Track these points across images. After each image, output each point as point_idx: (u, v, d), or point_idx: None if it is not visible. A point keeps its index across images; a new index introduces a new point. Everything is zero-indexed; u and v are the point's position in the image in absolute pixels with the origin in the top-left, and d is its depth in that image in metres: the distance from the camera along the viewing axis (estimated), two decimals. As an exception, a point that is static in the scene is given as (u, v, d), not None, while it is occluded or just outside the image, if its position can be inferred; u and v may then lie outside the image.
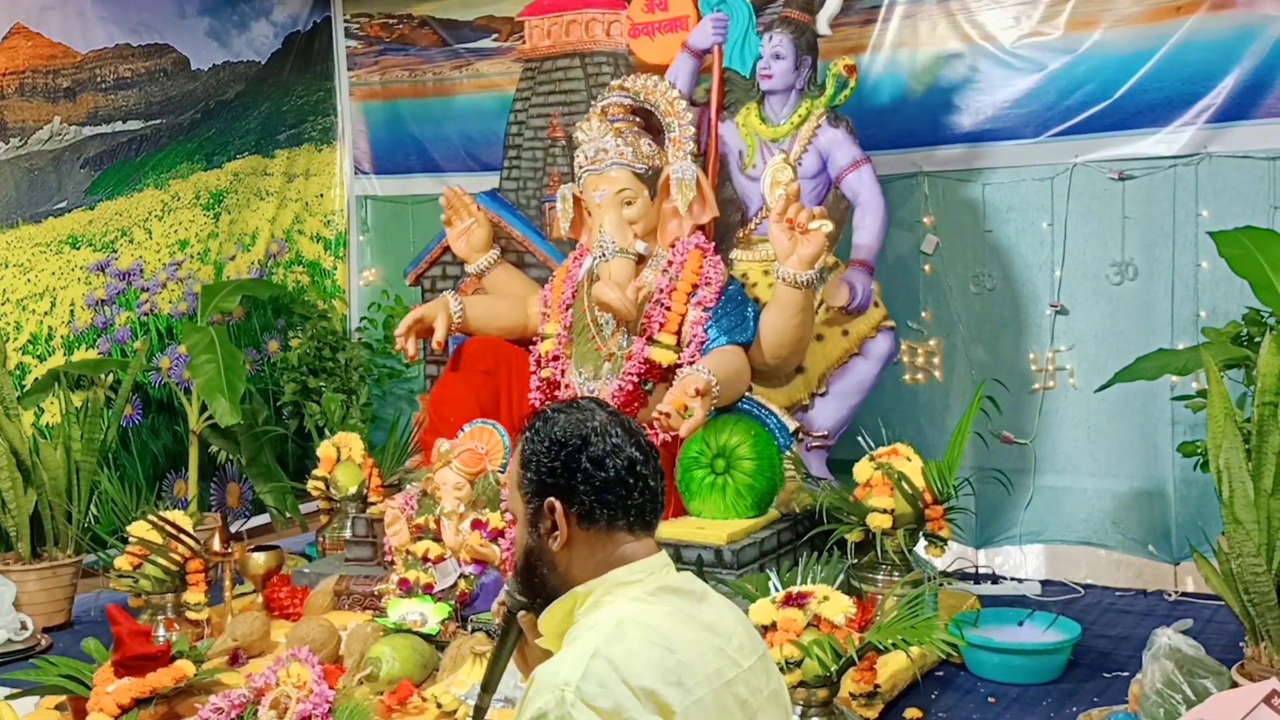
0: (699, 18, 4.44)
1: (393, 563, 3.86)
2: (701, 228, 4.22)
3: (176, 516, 3.87)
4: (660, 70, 4.44)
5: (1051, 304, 4.59)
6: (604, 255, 4.09)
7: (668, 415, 3.68)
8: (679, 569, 1.85)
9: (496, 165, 5.18)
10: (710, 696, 1.65)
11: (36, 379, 4.90)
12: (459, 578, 3.59)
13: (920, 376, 4.83)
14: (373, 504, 4.38)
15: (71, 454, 4.48)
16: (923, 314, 4.81)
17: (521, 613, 1.85)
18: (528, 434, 1.81)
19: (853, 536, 3.65)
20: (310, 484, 4.54)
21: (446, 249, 4.95)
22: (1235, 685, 2.83)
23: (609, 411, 1.83)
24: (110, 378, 5.04)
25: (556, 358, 4.22)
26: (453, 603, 3.54)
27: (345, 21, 6.22)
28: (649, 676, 1.59)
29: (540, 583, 1.79)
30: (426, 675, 3.32)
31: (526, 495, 1.79)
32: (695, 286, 4.08)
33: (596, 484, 1.74)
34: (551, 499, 1.75)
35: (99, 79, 5.21)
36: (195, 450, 5.26)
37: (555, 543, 1.75)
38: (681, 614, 1.73)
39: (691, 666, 1.65)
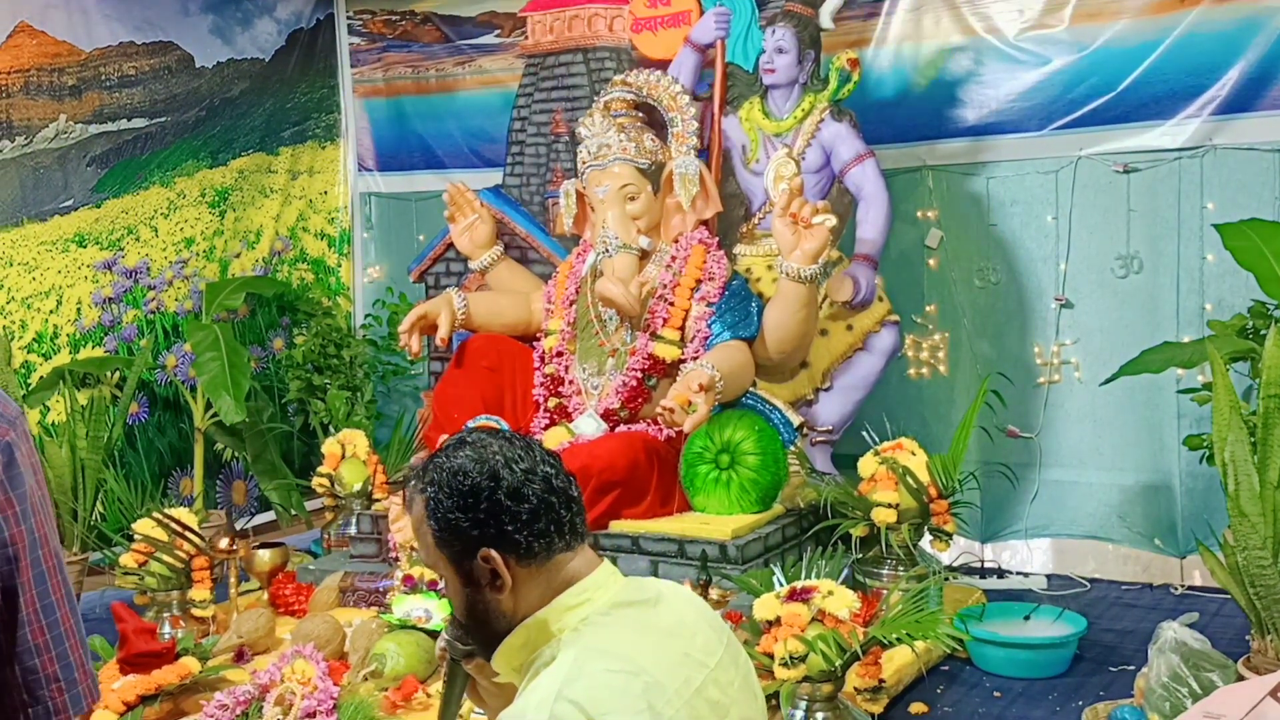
0: (701, 12, 4.44)
1: (397, 559, 3.87)
2: (705, 223, 4.22)
3: (182, 514, 3.87)
4: (663, 65, 4.43)
5: (1056, 297, 4.58)
6: (607, 251, 4.09)
7: (672, 411, 3.68)
8: (629, 574, 1.76)
9: (500, 161, 5.17)
10: (684, 711, 1.58)
11: (42, 377, 4.90)
12: (463, 574, 3.59)
13: (925, 371, 4.82)
14: (378, 500, 4.39)
15: (77, 452, 4.48)
16: (927, 308, 4.80)
17: (465, 660, 1.76)
18: (429, 491, 1.65)
19: (857, 531, 3.64)
20: (315, 481, 4.55)
21: (450, 245, 4.95)
22: (1241, 678, 2.82)
23: (499, 436, 1.70)
24: (116, 376, 5.04)
25: (560, 354, 4.23)
26: (457, 599, 3.53)
27: (348, 18, 6.22)
28: (617, 710, 1.51)
29: (492, 633, 1.68)
30: (431, 671, 3.31)
31: (452, 555, 1.65)
32: (699, 282, 4.07)
33: (524, 518, 1.62)
34: (485, 550, 1.62)
35: (104, 77, 5.22)
36: (201, 448, 5.27)
37: (501, 591, 1.64)
38: (639, 627, 1.65)
39: (660, 684, 1.57)
